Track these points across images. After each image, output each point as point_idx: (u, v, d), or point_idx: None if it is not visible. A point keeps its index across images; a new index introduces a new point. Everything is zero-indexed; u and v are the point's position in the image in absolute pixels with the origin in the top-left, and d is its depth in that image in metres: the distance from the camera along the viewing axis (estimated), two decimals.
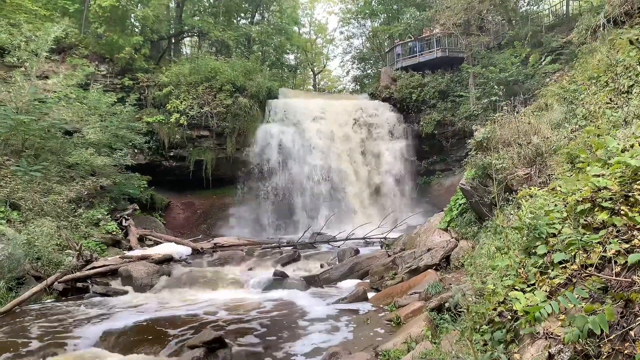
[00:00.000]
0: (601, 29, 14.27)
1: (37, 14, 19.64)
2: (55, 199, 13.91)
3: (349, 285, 10.64)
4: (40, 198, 13.61)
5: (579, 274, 3.49)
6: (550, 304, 3.08)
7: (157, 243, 16.37)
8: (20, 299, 9.24)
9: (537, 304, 3.36)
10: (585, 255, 3.57)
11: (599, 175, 4.05)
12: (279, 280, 10.97)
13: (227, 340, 6.62)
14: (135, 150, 20.36)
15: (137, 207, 18.68)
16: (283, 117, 23.48)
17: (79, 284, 10.81)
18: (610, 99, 8.52)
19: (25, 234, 11.30)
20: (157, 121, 21.36)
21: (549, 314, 3.12)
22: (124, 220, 16.92)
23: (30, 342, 7.03)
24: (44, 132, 15.81)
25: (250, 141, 22.54)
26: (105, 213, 15.74)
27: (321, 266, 12.77)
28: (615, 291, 3.12)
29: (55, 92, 17.58)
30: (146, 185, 19.93)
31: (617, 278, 3.17)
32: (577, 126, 8.46)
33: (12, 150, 15.29)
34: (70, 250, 12.22)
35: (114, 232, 15.32)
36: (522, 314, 3.49)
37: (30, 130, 15.15)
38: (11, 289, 9.78)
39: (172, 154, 22.05)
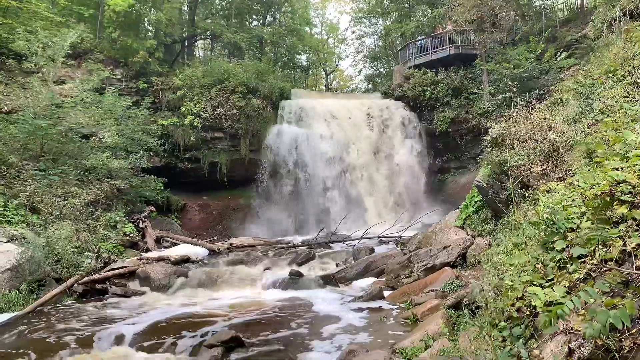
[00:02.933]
0: (617, 22, 14.07)
1: (53, 20, 19.90)
2: (73, 202, 14.11)
3: (364, 283, 10.63)
4: (59, 201, 13.80)
5: (598, 268, 3.45)
6: (572, 300, 3.05)
7: (173, 244, 16.56)
8: (41, 301, 9.39)
9: (556, 300, 3.34)
10: (604, 249, 3.53)
11: (617, 169, 4.00)
12: (295, 279, 11.01)
13: (244, 340, 6.67)
14: (151, 153, 20.55)
15: (154, 209, 18.89)
16: (296, 118, 23.48)
17: (98, 286, 10.95)
18: (628, 92, 8.38)
19: (45, 237, 11.47)
20: (172, 124, 21.54)
21: (570, 310, 3.09)
22: (140, 222, 17.11)
23: (52, 342, 7.15)
24: (61, 136, 16.05)
25: (264, 142, 22.58)
26: (123, 215, 15.93)
27: (336, 265, 12.79)
28: (636, 285, 3.08)
29: (71, 96, 17.85)
30: (162, 188, 20.12)
31: (638, 272, 3.13)
32: (593, 121, 8.35)
33: (31, 154, 15.53)
34: (89, 253, 12.41)
35: (131, 234, 15.50)
36: (541, 309, 3.47)
37: (48, 135, 15.37)
38: (32, 291, 9.95)
39: (187, 156, 22.21)
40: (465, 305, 6.17)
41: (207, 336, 7.01)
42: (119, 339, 7.24)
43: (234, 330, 6.85)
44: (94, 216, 14.62)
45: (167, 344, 6.91)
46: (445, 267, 9.10)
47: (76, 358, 6.57)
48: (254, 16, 35.95)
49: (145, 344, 7.01)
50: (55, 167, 15.12)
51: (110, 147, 17.63)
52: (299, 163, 22.40)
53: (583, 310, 3.22)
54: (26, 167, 14.78)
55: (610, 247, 3.50)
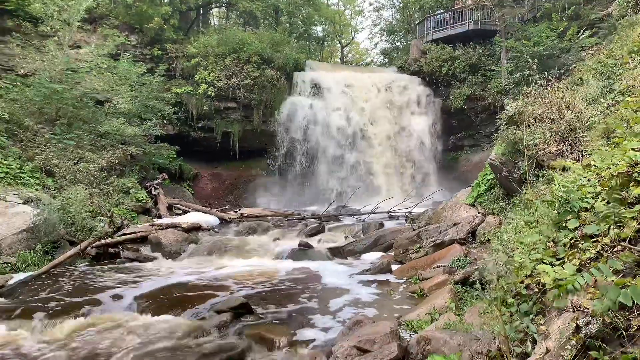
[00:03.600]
0: None
1: None
2: (87, 166, 14.29)
3: (372, 257, 10.69)
4: (73, 165, 13.99)
5: (610, 247, 3.44)
6: (582, 276, 3.05)
7: (185, 212, 16.72)
8: (55, 262, 9.60)
9: (566, 277, 3.34)
10: (618, 230, 3.51)
11: (636, 149, 3.94)
12: (304, 250, 11.11)
13: (252, 307, 6.78)
14: (164, 121, 20.64)
15: (166, 177, 19.08)
16: (310, 90, 23.32)
17: (111, 250, 11.17)
18: None
19: (60, 200, 11.69)
20: (186, 92, 21.53)
21: (581, 286, 3.09)
22: (153, 189, 17.30)
23: (64, 302, 7.31)
24: (76, 101, 16.16)
25: (277, 113, 22.52)
26: (135, 182, 16.13)
27: (345, 238, 12.86)
28: None
29: (86, 61, 17.87)
30: (175, 156, 20.30)
31: None
32: (613, 101, 8.18)
33: (47, 118, 15.69)
34: (102, 217, 12.61)
35: (144, 201, 15.69)
36: (550, 286, 3.47)
37: (63, 99, 15.48)
38: (47, 252, 10.23)
39: (200, 125, 22.26)
40: (474, 280, 6.20)
41: (216, 302, 7.12)
42: (126, 302, 7.39)
43: (242, 298, 6.95)
44: (107, 181, 14.81)
45: (176, 308, 7.04)
46: (454, 244, 9.10)
47: (84, 319, 6.72)
48: None
49: (154, 307, 7.14)
50: (70, 132, 15.27)
51: (124, 114, 17.74)
52: (312, 135, 22.34)
53: (592, 289, 3.22)
54: (41, 130, 14.93)
55: (624, 227, 3.47)
